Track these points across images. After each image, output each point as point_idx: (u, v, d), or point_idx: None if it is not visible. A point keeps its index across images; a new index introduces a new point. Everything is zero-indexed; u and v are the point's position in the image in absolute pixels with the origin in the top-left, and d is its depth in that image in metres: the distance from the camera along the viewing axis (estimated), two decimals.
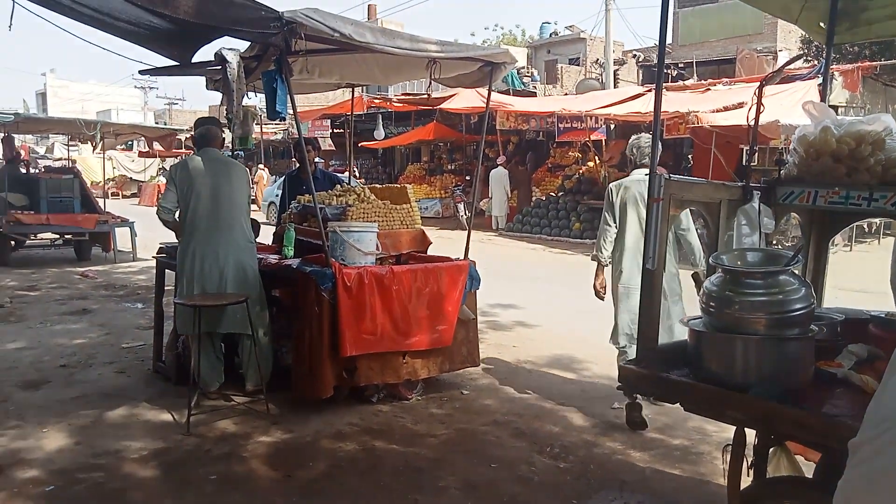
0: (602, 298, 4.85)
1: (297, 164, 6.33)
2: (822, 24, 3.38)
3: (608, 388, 4.96)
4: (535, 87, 22.78)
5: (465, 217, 16.64)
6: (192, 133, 5.17)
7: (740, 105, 11.15)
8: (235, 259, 4.63)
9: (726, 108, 11.67)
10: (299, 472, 3.68)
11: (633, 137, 4.85)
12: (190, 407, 4.26)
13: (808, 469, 2.75)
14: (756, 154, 3.77)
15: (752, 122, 3.02)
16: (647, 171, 4.02)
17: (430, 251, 5.39)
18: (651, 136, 3.93)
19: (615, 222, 4.69)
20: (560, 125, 15.17)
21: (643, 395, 2.56)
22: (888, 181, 2.64)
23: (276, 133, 25.44)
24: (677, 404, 2.51)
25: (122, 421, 4.37)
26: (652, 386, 2.50)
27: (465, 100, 16.22)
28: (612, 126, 16.12)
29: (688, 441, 4.11)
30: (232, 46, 4.64)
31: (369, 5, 32.56)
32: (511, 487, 3.53)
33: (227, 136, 5.21)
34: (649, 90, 14.50)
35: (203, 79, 5.70)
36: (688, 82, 16.08)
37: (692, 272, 4.53)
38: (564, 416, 4.58)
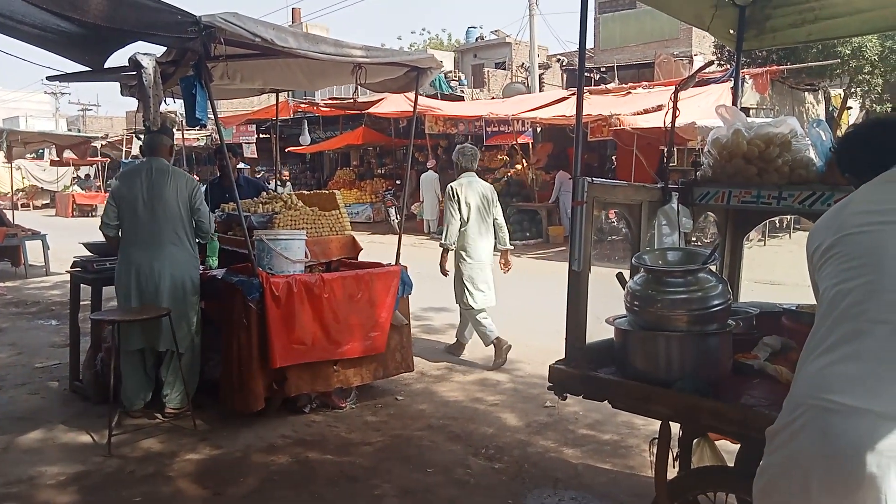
0: (446, 275, 5.98)
1: (220, 172, 6.15)
2: (731, 31, 3.54)
3: (540, 387, 5.02)
4: (462, 91, 22.94)
5: (396, 221, 16.59)
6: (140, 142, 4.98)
7: (659, 108, 11.57)
8: (171, 272, 4.45)
9: (646, 111, 12.09)
10: (230, 489, 3.57)
11: (458, 147, 6.14)
12: (111, 427, 4.07)
13: (731, 457, 2.86)
14: (674, 155, 3.91)
15: (669, 125, 3.13)
16: (472, 173, 5.93)
17: (362, 257, 5.34)
18: (469, 145, 6.26)
19: (459, 213, 5.77)
20: (488, 129, 15.35)
21: (573, 394, 2.60)
22: (794, 181, 2.79)
23: (198, 139, 24.67)
24: (605, 401, 2.57)
25: (37, 445, 4.13)
26: (581, 384, 2.55)
27: (394, 104, 16.21)
28: (539, 129, 16.43)
29: (617, 436, 4.22)
30: (147, 51, 4.46)
31: (293, 9, 32.16)
32: (448, 491, 3.53)
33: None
34: (573, 94, 14.87)
35: (118, 84, 5.46)
36: (610, 86, 16.55)
37: (616, 272, 4.66)
38: (498, 416, 4.62)
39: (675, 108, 3.06)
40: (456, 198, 5.76)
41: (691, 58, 20.30)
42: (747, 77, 13.28)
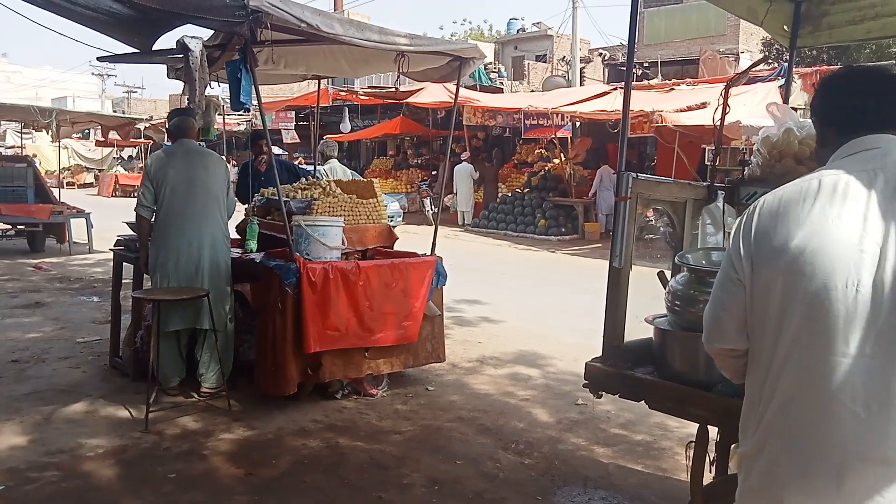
0: None
1: (255, 156, 6.24)
2: (785, 27, 3.44)
3: (573, 384, 5.00)
4: (501, 83, 22.84)
5: (431, 212, 16.61)
6: (167, 124, 5.07)
7: (703, 105, 11.35)
8: (211, 253, 4.53)
9: (689, 108, 11.87)
10: (262, 470, 3.62)
11: (323, 139, 7.18)
12: (148, 403, 4.16)
13: None
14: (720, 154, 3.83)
15: (718, 123, 3.06)
16: (335, 160, 6.86)
17: (396, 246, 5.35)
18: (332, 141, 7.22)
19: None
20: (527, 122, 15.25)
21: (609, 392, 2.57)
22: None
23: (239, 124, 25.01)
24: (641, 401, 2.54)
25: (78, 417, 4.25)
26: (617, 383, 2.52)
27: (433, 94, 16.19)
28: (578, 124, 16.26)
29: (650, 437, 4.16)
30: (195, 34, 4.52)
31: None
32: (476, 484, 3.53)
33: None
34: (615, 88, 14.66)
35: (164, 67, 5.55)
36: (652, 81, 16.30)
37: (658, 271, 4.60)
38: (529, 412, 4.60)
39: (725, 105, 2.99)
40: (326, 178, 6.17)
41: (737, 55, 19.89)
42: (796, 76, 12.94)
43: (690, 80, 15.64)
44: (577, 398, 4.74)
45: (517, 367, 5.58)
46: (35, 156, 19.46)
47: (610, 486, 3.53)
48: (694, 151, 12.33)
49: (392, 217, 12.98)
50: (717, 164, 3.37)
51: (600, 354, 2.66)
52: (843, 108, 1.56)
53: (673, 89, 14.18)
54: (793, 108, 6.35)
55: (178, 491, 3.36)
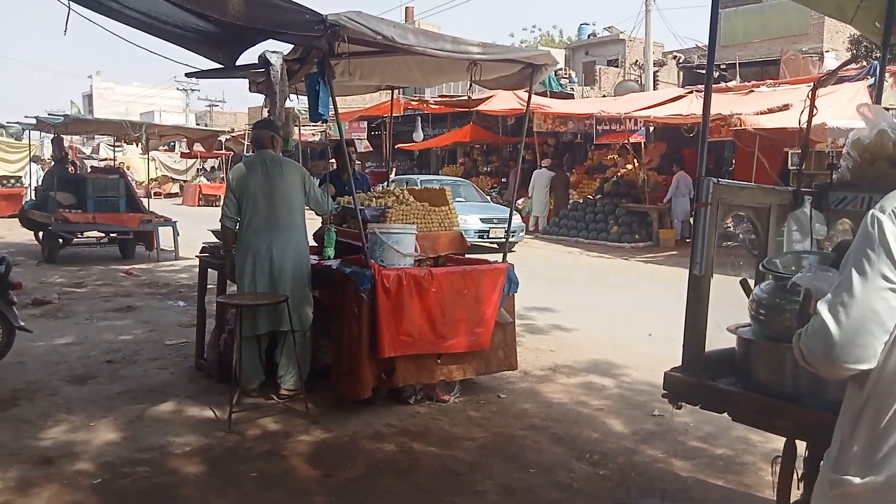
0: None
1: (335, 165, 6.40)
2: (877, 24, 3.28)
3: (648, 394, 4.89)
4: (572, 89, 22.61)
5: None
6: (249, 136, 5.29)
7: (786, 107, 10.91)
8: (293, 259, 4.70)
9: (770, 111, 11.42)
10: (338, 472, 3.70)
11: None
12: (231, 404, 4.33)
13: None
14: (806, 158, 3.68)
15: (804, 125, 2.95)
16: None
17: (468, 253, 5.38)
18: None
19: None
20: (598, 127, 15.06)
21: (689, 403, 2.51)
22: None
23: (314, 135, 25.74)
24: (724, 413, 2.46)
25: (166, 416, 4.46)
26: (698, 394, 2.45)
27: (503, 102, 16.20)
28: (652, 128, 15.92)
29: (731, 451, 4.02)
30: (275, 49, 4.71)
31: (406, 7, 32.68)
32: (550, 493, 3.50)
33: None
34: (690, 91, 14.28)
35: (245, 81, 5.79)
36: (730, 84, 15.77)
37: (741, 279, 4.47)
38: (603, 421, 4.52)
39: (812, 106, 2.88)
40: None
41: (822, 54, 19.00)
42: (888, 75, 12.27)
43: (771, 81, 15.06)
44: (654, 409, 4.63)
45: (590, 377, 5.50)
46: (129, 168, 20.56)
47: (689, 501, 3.43)
48: (775, 155, 11.85)
49: (514, 232, 12.99)
50: (803, 168, 3.24)
51: (679, 364, 2.60)
52: None
53: (752, 91, 13.69)
54: (884, 108, 6.02)
55: (259, 489, 3.48)
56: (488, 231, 13.28)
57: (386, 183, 6.74)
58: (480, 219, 13.32)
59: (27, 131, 16.46)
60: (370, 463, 3.82)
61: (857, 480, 1.33)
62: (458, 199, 13.80)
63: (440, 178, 16.79)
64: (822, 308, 1.36)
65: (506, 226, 12.78)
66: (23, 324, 5.45)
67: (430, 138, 21.87)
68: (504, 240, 12.85)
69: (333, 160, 6.65)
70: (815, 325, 1.36)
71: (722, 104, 12.07)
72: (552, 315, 7.68)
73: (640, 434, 4.30)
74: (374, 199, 5.32)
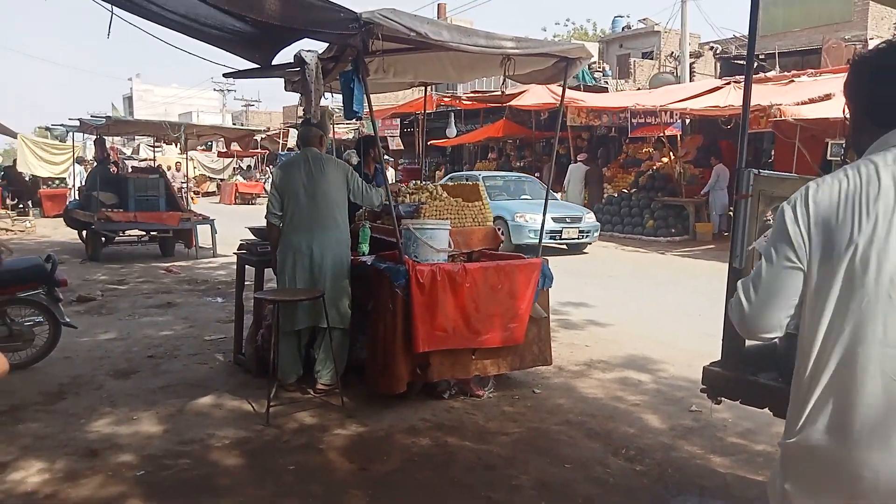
0: None
1: (358, 159, 6.50)
2: None
3: (686, 389, 4.83)
4: (606, 83, 22.35)
5: None
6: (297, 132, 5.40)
7: (828, 97, 10.63)
8: (334, 256, 4.76)
9: (811, 101, 11.14)
10: (374, 465, 3.74)
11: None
12: (269, 398, 4.40)
13: None
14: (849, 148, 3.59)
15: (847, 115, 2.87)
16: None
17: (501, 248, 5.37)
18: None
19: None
20: (633, 120, 14.83)
21: (729, 398, 2.47)
22: None
23: (347, 132, 25.95)
24: (765, 409, 2.42)
25: (206, 410, 4.55)
26: (739, 389, 2.41)
27: (536, 96, 16.10)
28: (688, 121, 15.65)
29: (772, 447, 3.94)
30: (310, 48, 4.76)
31: (439, 4, 32.70)
32: (586, 488, 3.48)
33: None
34: (728, 83, 14.00)
35: (280, 80, 5.86)
36: (769, 74, 15.41)
37: None
38: (640, 417, 4.48)
39: None
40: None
41: (866, 42, 18.43)
42: None
43: (812, 70, 14.67)
44: (691, 404, 4.57)
45: (626, 372, 5.45)
46: (170, 168, 21.00)
47: (728, 498, 3.38)
48: (816, 146, 11.55)
49: (589, 232, 12.53)
50: (846, 158, 3.16)
51: (718, 359, 2.56)
52: (883, 99, 1.46)
53: (792, 81, 13.36)
54: None
55: (297, 482, 3.53)
56: (560, 231, 12.20)
57: (419, 181, 6.81)
58: (552, 218, 11.68)
59: (71, 133, 16.96)
60: (406, 457, 3.85)
61: (789, 441, 1.50)
62: (523, 197, 13.43)
63: (504, 174, 15.74)
64: (739, 286, 1.56)
65: (579, 225, 12.58)
66: (68, 320, 5.62)
67: (463, 134, 21.84)
68: (577, 240, 12.63)
69: (353, 151, 6.75)
70: (733, 301, 1.56)
71: (761, 95, 11.82)
72: (587, 310, 7.63)
73: (677, 430, 4.25)
74: (408, 196, 5.34)
